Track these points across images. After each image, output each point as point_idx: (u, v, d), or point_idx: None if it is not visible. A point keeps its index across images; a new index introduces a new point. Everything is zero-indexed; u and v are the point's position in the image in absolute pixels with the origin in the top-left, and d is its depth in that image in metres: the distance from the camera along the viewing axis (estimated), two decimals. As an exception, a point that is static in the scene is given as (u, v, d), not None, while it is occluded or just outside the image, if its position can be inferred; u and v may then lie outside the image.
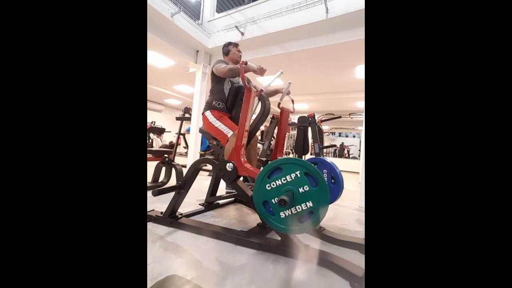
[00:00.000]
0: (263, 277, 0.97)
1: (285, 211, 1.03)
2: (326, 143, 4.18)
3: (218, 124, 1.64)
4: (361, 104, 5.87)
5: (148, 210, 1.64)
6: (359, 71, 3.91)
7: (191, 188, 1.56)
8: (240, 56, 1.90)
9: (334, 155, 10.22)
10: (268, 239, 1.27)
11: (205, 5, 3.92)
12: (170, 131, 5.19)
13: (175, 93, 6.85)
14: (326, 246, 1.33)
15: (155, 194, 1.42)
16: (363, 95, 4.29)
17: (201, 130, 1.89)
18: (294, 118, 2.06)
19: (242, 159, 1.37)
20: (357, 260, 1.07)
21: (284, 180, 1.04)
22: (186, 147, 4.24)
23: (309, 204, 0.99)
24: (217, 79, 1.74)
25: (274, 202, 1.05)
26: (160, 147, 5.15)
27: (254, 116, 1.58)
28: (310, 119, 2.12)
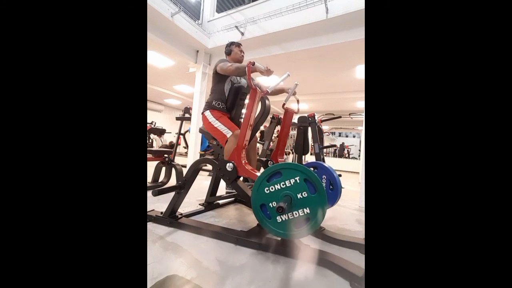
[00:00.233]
0: (263, 277, 0.97)
1: (281, 216, 1.04)
2: (326, 143, 4.18)
3: (217, 124, 1.64)
4: (361, 104, 5.87)
5: (148, 210, 1.64)
6: (359, 71, 3.91)
7: (191, 188, 1.56)
8: (243, 55, 1.87)
9: (334, 155, 10.22)
10: (268, 239, 1.27)
11: (205, 5, 3.92)
12: (170, 132, 5.19)
13: (175, 93, 6.85)
14: (326, 246, 1.33)
15: (155, 194, 1.42)
16: (363, 95, 4.29)
17: (201, 130, 1.89)
18: (294, 118, 2.06)
19: (243, 161, 1.37)
20: (357, 260, 1.07)
21: (283, 184, 1.05)
22: (186, 147, 4.24)
23: (306, 210, 1.00)
24: (218, 79, 1.72)
25: (271, 206, 1.06)
26: (160, 147, 5.15)
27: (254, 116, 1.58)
28: (310, 119, 2.12)
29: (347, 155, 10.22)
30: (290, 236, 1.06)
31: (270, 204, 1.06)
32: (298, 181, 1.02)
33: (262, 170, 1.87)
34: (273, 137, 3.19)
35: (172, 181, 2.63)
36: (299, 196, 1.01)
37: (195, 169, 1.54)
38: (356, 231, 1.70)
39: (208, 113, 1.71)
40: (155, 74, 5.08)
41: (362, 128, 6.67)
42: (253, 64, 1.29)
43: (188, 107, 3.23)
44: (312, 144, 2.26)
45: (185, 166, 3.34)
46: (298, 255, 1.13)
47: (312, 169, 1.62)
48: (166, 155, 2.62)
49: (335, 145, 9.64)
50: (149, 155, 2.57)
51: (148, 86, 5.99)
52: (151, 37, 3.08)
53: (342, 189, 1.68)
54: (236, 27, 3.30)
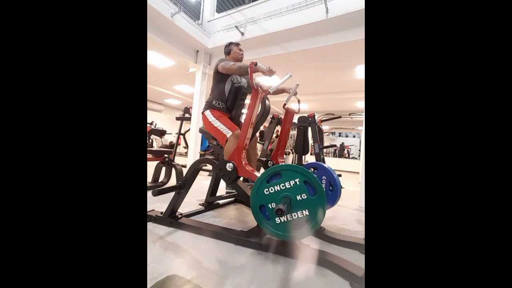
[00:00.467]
0: (263, 277, 0.97)
1: (281, 217, 1.04)
2: (326, 143, 4.18)
3: (217, 124, 1.64)
4: (361, 104, 5.87)
5: (148, 210, 1.64)
6: (359, 71, 3.91)
7: (191, 188, 1.56)
8: (242, 54, 1.86)
9: (334, 155, 10.22)
10: (268, 239, 1.27)
11: (205, 5, 3.92)
12: (171, 133, 5.19)
13: (175, 93, 6.85)
14: (326, 246, 1.33)
15: (155, 194, 1.42)
16: (363, 95, 4.29)
17: (201, 130, 1.89)
18: (294, 118, 2.06)
19: (243, 162, 1.37)
20: (357, 260, 1.07)
21: (282, 186, 1.05)
22: (186, 147, 4.24)
23: (306, 212, 1.00)
24: (219, 78, 1.72)
25: (271, 207, 1.06)
26: (160, 147, 5.15)
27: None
28: (310, 119, 2.12)
29: (347, 155, 10.22)
30: (289, 237, 1.06)
31: (269, 205, 1.06)
32: (298, 183, 1.02)
33: (262, 170, 1.87)
34: (273, 137, 3.19)
35: (172, 181, 2.63)
36: (298, 198, 1.01)
37: (195, 169, 1.54)
38: (356, 231, 1.70)
39: (208, 113, 1.71)
40: (155, 74, 5.08)
41: (362, 128, 6.67)
42: (256, 64, 1.30)
43: (188, 107, 3.23)
44: (312, 144, 2.25)
45: (185, 166, 3.34)
46: (298, 255, 1.13)
47: (312, 170, 1.63)
48: (166, 155, 2.62)
49: (335, 145, 9.64)
50: (149, 155, 2.57)
51: (148, 86, 5.99)
52: (151, 37, 3.08)
53: (342, 189, 1.68)
54: (236, 27, 3.30)
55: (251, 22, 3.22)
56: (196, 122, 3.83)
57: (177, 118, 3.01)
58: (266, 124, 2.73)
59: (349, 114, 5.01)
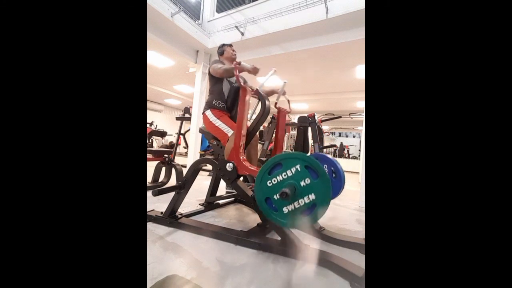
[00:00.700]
0: (263, 277, 0.97)
1: (288, 206, 1.01)
2: (326, 143, 4.18)
3: (218, 123, 1.64)
4: (361, 104, 5.87)
5: (148, 210, 1.64)
6: (359, 71, 3.90)
7: (191, 188, 1.56)
8: (235, 54, 1.91)
9: (334, 155, 10.23)
10: (268, 239, 1.27)
11: (205, 5, 3.91)
12: (171, 135, 5.19)
13: (175, 93, 6.85)
14: (326, 246, 1.33)
15: (155, 194, 1.42)
16: (363, 95, 4.29)
17: (201, 130, 1.89)
18: (294, 118, 2.07)
19: (241, 157, 1.37)
20: (357, 260, 1.07)
21: (284, 175, 1.03)
22: (186, 147, 4.24)
23: (312, 196, 0.97)
24: (215, 80, 1.74)
25: (276, 198, 1.04)
26: (160, 147, 5.15)
27: (254, 116, 1.58)
28: (310, 119, 2.12)
29: (347, 155, 10.22)
30: (299, 225, 1.04)
31: (275, 196, 1.05)
32: (299, 169, 1.00)
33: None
34: (273, 137, 3.19)
35: (172, 181, 2.63)
36: (302, 183, 0.99)
37: (195, 169, 1.54)
38: (356, 231, 1.70)
39: (209, 113, 1.71)
40: (155, 74, 5.08)
41: (362, 128, 6.67)
42: (239, 63, 1.36)
43: (188, 107, 3.23)
44: (312, 144, 2.26)
45: (185, 166, 3.34)
46: (298, 255, 1.13)
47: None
48: (166, 155, 2.62)
49: (335, 145, 9.64)
50: (149, 155, 2.57)
51: (148, 86, 5.99)
52: (151, 37, 3.08)
53: (342, 189, 1.68)
54: (236, 27, 3.30)
55: (251, 22, 3.22)
56: (196, 122, 3.83)
57: (177, 118, 3.01)
58: (266, 124, 2.74)
59: (349, 114, 5.01)
